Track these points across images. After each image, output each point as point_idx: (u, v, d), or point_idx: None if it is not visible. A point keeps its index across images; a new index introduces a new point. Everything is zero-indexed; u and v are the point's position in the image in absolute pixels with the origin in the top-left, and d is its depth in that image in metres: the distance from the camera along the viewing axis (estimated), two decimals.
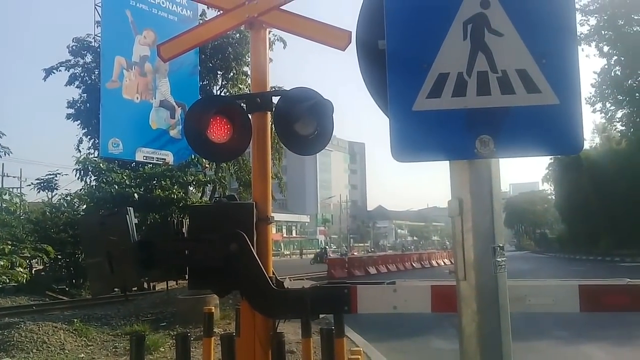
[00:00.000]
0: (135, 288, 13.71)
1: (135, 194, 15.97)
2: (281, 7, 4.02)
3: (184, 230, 3.75)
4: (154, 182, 17.88)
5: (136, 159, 18.63)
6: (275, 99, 3.93)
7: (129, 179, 17.03)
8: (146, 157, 18.77)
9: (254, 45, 4.15)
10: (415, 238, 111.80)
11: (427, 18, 1.77)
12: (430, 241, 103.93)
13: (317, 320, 4.93)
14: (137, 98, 19.97)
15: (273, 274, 3.77)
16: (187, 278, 3.72)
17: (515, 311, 3.05)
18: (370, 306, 3.40)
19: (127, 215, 3.42)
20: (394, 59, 1.77)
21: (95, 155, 20.78)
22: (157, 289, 15.23)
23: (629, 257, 34.92)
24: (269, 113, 3.97)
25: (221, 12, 4.21)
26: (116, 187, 16.61)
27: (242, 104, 3.98)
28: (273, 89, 4.92)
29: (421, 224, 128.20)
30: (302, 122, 3.68)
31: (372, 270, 26.51)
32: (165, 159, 19.43)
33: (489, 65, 1.74)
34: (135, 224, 3.49)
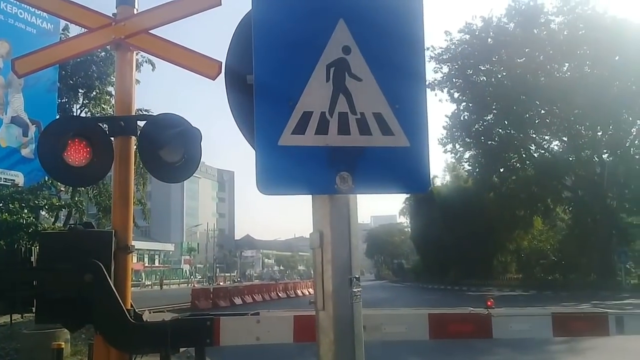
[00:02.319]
0: None
1: None
2: (150, 31, 3.95)
3: (33, 258, 3.46)
4: (0, 204, 16.22)
5: None
6: (140, 124, 3.83)
7: None
8: None
9: (120, 67, 4.02)
10: (282, 267, 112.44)
11: (294, 58, 1.86)
12: (296, 270, 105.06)
13: (178, 354, 4.76)
14: None
15: (131, 306, 3.60)
16: (34, 311, 3.43)
17: (372, 339, 3.22)
18: (233, 338, 3.38)
19: None
20: (261, 94, 1.83)
21: None
22: None
23: (475, 287, 38.18)
24: (132, 137, 3.83)
25: (85, 30, 4.04)
26: None
27: (104, 127, 3.81)
28: (139, 112, 4.78)
29: (288, 254, 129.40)
30: (169, 148, 3.61)
31: (238, 301, 26.15)
32: (14, 180, 17.78)
33: (349, 107, 1.87)
34: None
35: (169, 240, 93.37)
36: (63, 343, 4.59)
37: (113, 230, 3.62)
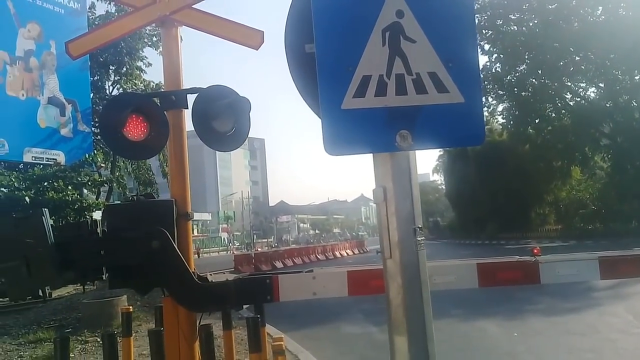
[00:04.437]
0: (30, 297, 12.94)
1: (27, 197, 14.94)
2: (193, 6, 4.08)
3: (99, 230, 3.71)
4: (46, 184, 16.83)
5: (24, 160, 17.49)
6: (189, 97, 3.99)
7: (17, 182, 15.89)
8: (35, 157, 17.62)
9: (166, 43, 4.17)
10: (317, 231, 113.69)
11: (351, 25, 1.97)
12: (331, 233, 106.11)
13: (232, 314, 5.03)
14: (23, 95, 18.63)
15: (194, 269, 3.84)
16: (105, 278, 3.70)
17: None
18: (291, 294, 3.59)
19: (43, 217, 3.34)
20: (323, 62, 1.96)
21: None
22: (54, 296, 14.42)
23: (513, 240, 38.04)
24: (183, 110, 4.02)
25: (131, 8, 4.19)
26: (5, 191, 15.46)
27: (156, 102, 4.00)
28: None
29: (322, 217, 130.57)
30: (220, 119, 3.79)
31: (279, 264, 26.78)
32: (56, 159, 18.33)
33: (405, 68, 1.97)
34: (52, 225, 3.41)
35: (206, 210, 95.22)
36: (131, 307, 4.90)
37: (173, 199, 3.85)
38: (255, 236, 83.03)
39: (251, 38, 4.08)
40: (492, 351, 7.59)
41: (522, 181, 42.03)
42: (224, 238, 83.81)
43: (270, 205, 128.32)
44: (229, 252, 58.26)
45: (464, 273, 3.67)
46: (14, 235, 3.26)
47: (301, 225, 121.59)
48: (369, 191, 2.07)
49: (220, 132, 3.79)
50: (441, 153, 60.87)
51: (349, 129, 1.95)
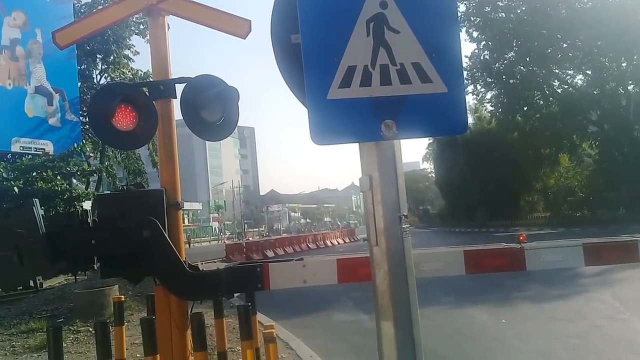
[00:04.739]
0: (21, 287, 12.94)
1: (15, 188, 14.86)
2: None
3: (90, 220, 3.73)
4: (35, 174, 16.73)
5: (12, 150, 17.33)
6: (178, 86, 4.00)
7: (6, 172, 15.79)
8: (23, 147, 17.42)
9: (153, 33, 4.17)
10: (308, 220, 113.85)
11: (336, 17, 2.00)
12: (322, 222, 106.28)
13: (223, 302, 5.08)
14: (9, 84, 18.38)
15: (185, 258, 3.87)
16: (96, 268, 3.72)
17: None
18: (282, 282, 3.63)
19: (34, 207, 3.36)
20: (309, 53, 1.99)
21: None
22: (45, 286, 14.41)
23: (502, 228, 38.24)
24: (172, 100, 4.03)
25: None
26: None
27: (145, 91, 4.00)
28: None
29: (313, 206, 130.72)
30: (209, 108, 3.81)
31: (270, 254, 26.86)
32: (44, 149, 18.13)
33: (389, 59, 2.01)
34: (42, 215, 3.43)
35: (196, 200, 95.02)
36: (123, 296, 4.93)
37: (163, 189, 3.87)
38: (246, 225, 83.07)
39: (238, 27, 4.09)
40: (481, 337, 7.70)
41: (511, 169, 42.22)
42: (214, 227, 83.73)
43: (261, 194, 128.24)
44: (220, 241, 58.23)
45: (452, 260, 3.72)
46: (5, 225, 3.28)
47: (292, 214, 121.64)
48: None
49: (209, 121, 3.81)
50: (431, 141, 61.03)
51: (335, 119, 1.99)
